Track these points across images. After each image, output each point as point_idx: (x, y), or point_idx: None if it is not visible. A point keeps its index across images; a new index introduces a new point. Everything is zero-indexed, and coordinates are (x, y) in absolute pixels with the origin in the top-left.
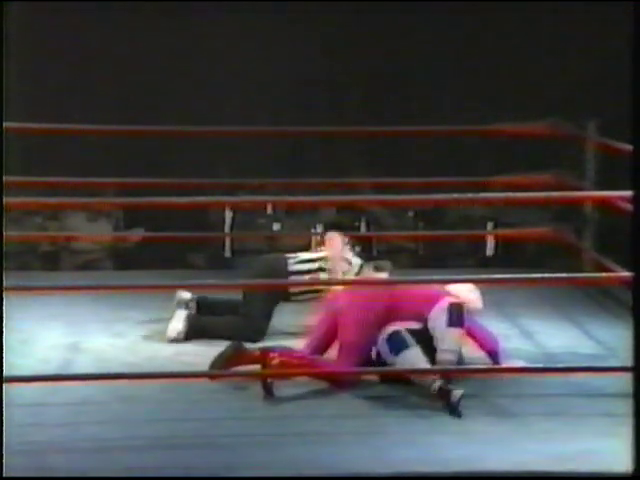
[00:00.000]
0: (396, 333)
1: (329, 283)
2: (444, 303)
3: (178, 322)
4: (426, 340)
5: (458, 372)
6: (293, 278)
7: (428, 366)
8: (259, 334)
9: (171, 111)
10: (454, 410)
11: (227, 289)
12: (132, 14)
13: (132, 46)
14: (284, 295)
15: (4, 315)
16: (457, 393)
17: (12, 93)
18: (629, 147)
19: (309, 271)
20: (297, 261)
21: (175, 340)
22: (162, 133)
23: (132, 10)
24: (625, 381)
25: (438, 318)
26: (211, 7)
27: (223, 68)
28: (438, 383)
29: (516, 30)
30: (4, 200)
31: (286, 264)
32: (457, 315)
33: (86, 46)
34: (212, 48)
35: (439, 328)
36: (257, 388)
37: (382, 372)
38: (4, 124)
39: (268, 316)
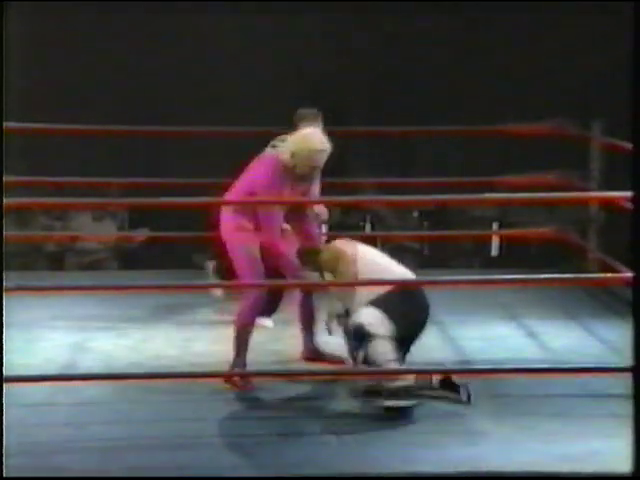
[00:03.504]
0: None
1: (328, 283)
2: None
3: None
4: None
5: (460, 373)
6: None
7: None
8: None
9: (174, 111)
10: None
11: (230, 289)
12: (133, 14)
13: (133, 46)
14: None
15: (4, 315)
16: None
17: (12, 93)
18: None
19: None
20: None
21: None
22: (165, 133)
23: (132, 10)
24: (630, 382)
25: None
26: (212, 7)
27: (224, 68)
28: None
29: (520, 30)
30: (4, 200)
31: None
32: None
33: (87, 46)
34: (213, 48)
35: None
36: (258, 388)
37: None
38: (4, 124)
39: None
